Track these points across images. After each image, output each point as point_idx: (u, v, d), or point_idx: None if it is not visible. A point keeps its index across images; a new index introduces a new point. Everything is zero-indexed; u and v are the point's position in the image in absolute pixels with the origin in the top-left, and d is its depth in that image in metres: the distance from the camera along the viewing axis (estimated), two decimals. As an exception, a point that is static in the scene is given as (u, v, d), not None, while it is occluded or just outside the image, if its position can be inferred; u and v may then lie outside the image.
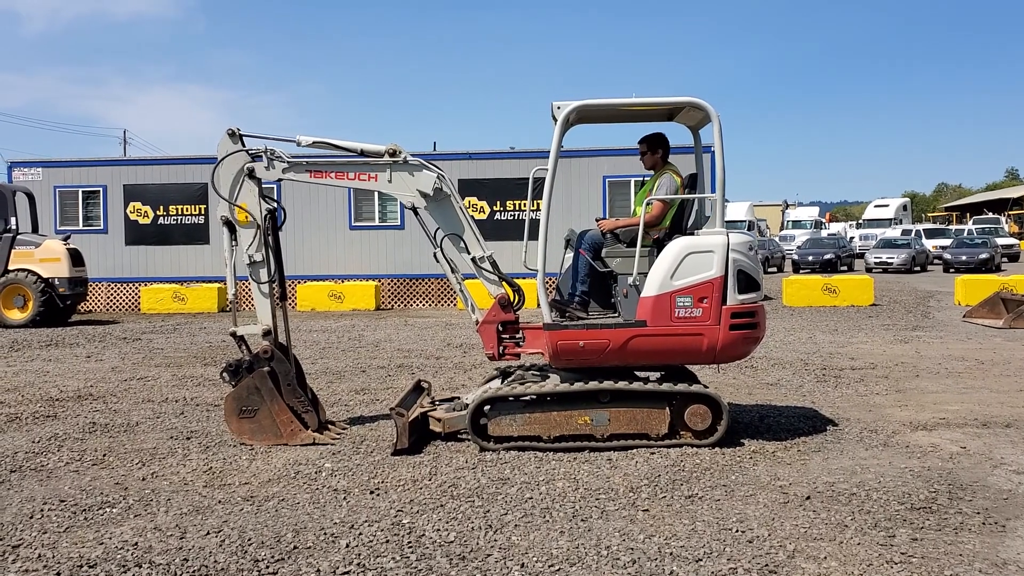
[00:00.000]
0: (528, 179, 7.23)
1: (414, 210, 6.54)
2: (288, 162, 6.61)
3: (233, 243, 6.70)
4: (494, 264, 6.48)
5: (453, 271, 6.61)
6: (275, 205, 6.88)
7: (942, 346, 11.80)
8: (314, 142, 6.62)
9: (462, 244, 6.47)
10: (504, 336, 6.46)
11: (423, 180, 6.45)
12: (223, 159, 6.61)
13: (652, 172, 6.92)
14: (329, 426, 6.85)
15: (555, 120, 6.25)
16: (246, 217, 6.66)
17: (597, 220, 6.83)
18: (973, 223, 48.30)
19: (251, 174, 6.60)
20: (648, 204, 6.41)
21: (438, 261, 6.61)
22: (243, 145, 6.65)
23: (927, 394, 8.23)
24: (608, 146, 20.40)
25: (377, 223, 21.17)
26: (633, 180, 19.60)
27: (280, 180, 6.70)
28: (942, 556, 4.06)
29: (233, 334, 6.74)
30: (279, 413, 6.45)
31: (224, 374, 6.63)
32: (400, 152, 6.48)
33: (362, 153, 6.57)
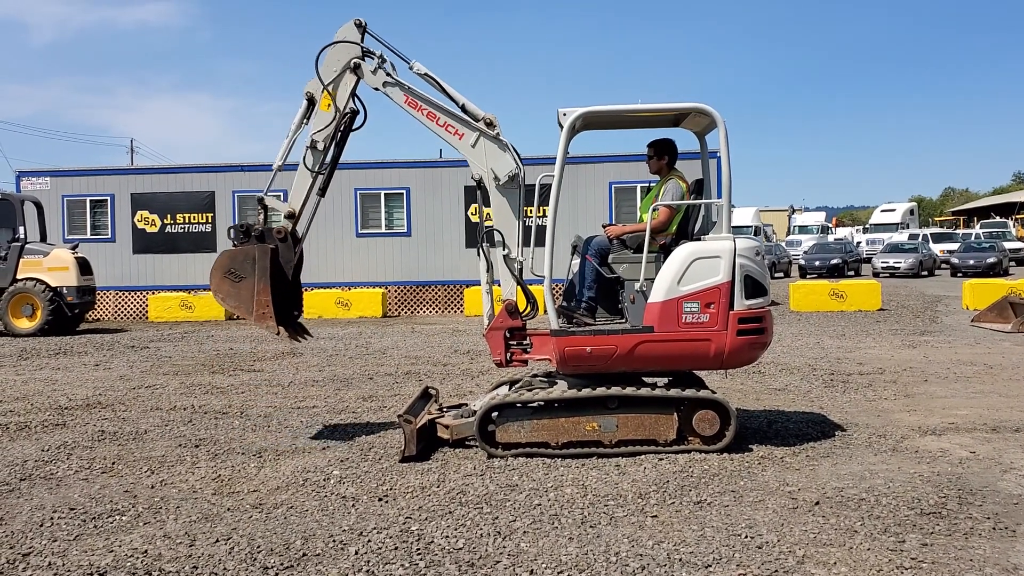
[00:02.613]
0: (535, 186, 7.24)
1: (477, 183, 6.58)
2: (394, 79, 6.63)
3: (304, 120, 6.73)
4: (520, 271, 6.47)
5: (488, 269, 6.62)
6: (360, 110, 6.90)
7: (950, 351, 11.77)
8: (425, 74, 6.67)
9: (501, 238, 6.46)
10: (511, 343, 6.45)
11: (502, 162, 6.46)
12: (337, 42, 6.65)
13: (657, 177, 6.92)
14: (300, 331, 6.91)
15: (561, 127, 6.27)
16: (328, 105, 6.67)
17: (604, 226, 6.82)
18: (980, 227, 48.09)
19: (355, 68, 6.63)
20: (654, 210, 6.41)
21: (479, 255, 6.63)
22: (358, 37, 6.67)
23: (936, 399, 8.21)
24: (614, 152, 20.43)
25: (383, 230, 21.21)
26: (639, 186, 19.61)
27: (376, 90, 6.68)
28: (952, 561, 4.05)
29: (260, 199, 6.76)
30: (261, 293, 6.44)
31: (232, 231, 6.67)
32: (496, 126, 6.51)
33: (463, 108, 6.60)
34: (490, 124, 6.50)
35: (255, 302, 6.43)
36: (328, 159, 6.81)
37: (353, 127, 6.93)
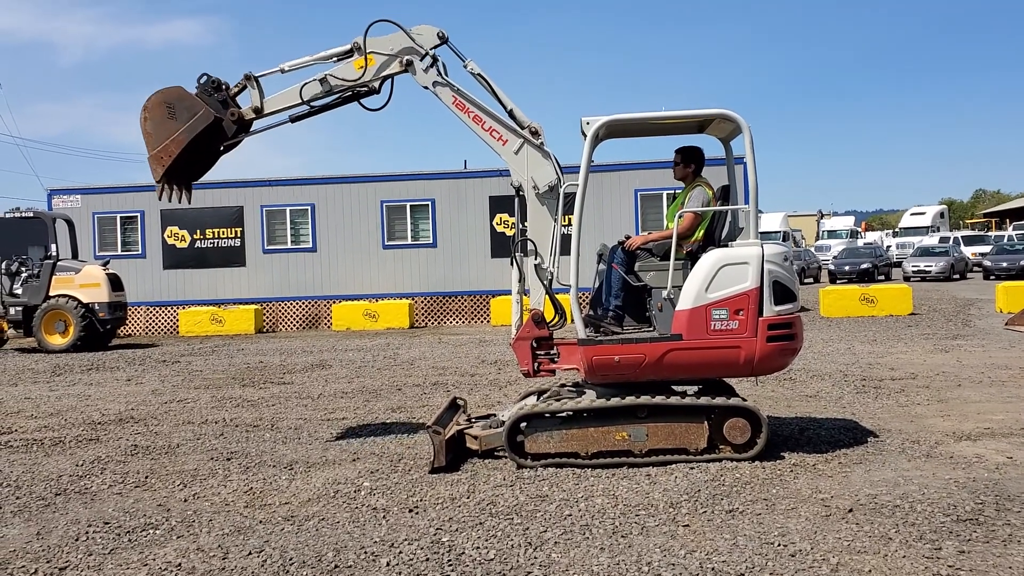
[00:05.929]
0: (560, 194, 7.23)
1: (516, 190, 6.64)
2: (444, 79, 6.71)
3: (335, 60, 6.86)
4: (551, 282, 6.47)
5: (520, 279, 6.62)
6: (384, 95, 7.06)
7: (984, 354, 11.60)
8: (478, 74, 6.74)
9: (534, 247, 6.47)
10: (539, 352, 6.44)
11: (543, 172, 6.51)
12: (407, 31, 6.73)
13: (683, 184, 6.90)
14: (180, 194, 7.14)
15: (584, 136, 6.27)
16: (361, 67, 6.76)
17: (625, 237, 6.75)
18: (1013, 229, 47.44)
19: (407, 65, 6.72)
20: (680, 216, 6.38)
21: (512, 264, 6.64)
22: (432, 45, 6.74)
23: (970, 403, 8.09)
24: (640, 159, 20.42)
25: (410, 242, 21.30)
26: (665, 193, 19.56)
27: (425, 88, 6.74)
28: (990, 568, 3.99)
29: (249, 75, 6.88)
30: (174, 143, 6.66)
31: (204, 77, 6.82)
32: (541, 135, 6.57)
33: (511, 114, 6.66)
34: (535, 133, 6.54)
35: (165, 145, 6.66)
36: (323, 102, 6.97)
37: (362, 99, 7.06)
